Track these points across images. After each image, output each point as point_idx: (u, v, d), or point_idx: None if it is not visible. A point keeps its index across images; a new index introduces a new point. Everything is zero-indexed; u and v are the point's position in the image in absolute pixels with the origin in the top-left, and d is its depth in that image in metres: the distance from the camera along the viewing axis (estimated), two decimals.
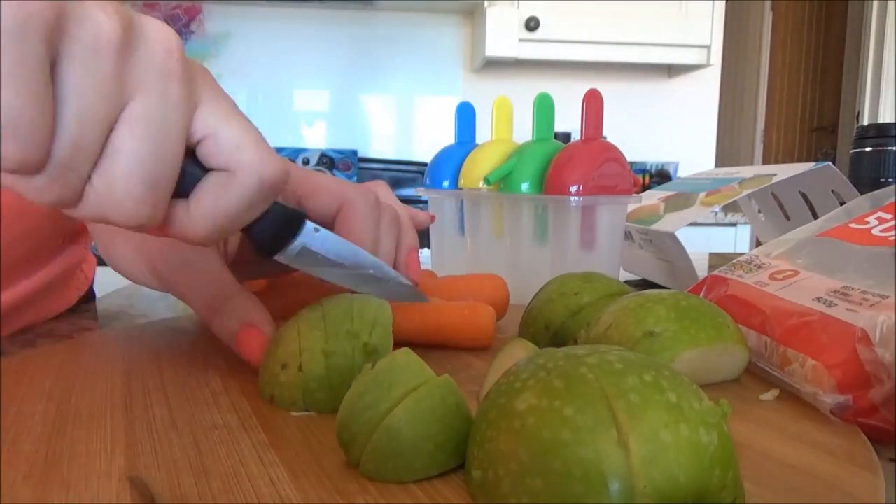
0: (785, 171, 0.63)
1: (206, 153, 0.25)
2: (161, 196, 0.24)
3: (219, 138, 0.25)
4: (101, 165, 0.23)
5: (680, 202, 0.65)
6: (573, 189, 0.49)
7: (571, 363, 0.20)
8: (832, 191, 0.63)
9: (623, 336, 0.31)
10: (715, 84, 2.46)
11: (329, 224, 0.35)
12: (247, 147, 0.25)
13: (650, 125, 2.43)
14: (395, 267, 0.36)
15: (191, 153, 0.25)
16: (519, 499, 0.18)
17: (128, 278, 0.38)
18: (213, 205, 0.25)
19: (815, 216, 0.64)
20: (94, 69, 0.21)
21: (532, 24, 2.01)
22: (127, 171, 0.23)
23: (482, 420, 0.21)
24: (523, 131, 0.54)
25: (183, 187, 0.25)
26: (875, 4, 2.71)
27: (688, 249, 0.59)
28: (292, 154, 2.18)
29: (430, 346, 0.39)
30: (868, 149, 0.70)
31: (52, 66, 0.21)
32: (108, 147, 0.23)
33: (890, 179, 0.68)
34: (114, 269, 0.38)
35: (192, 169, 0.25)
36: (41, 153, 0.21)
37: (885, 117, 2.67)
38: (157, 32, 0.23)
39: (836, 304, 0.30)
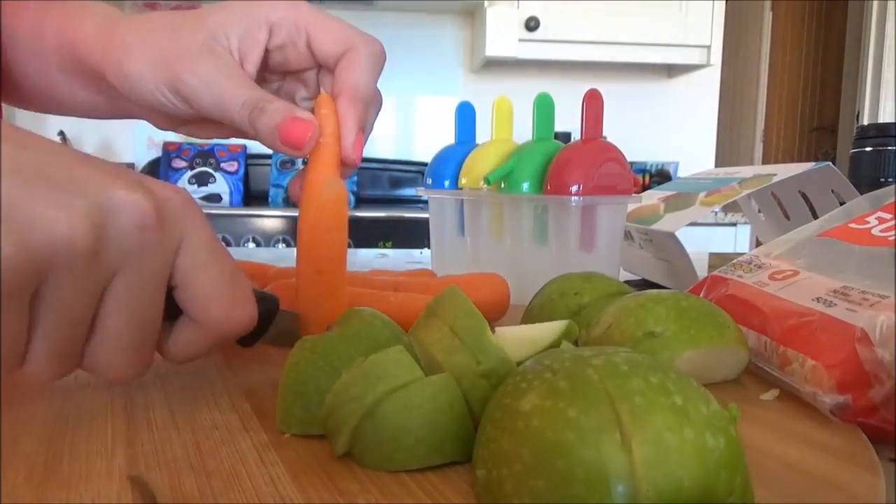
0: (785, 171, 0.63)
1: (179, 299, 0.26)
2: (146, 353, 0.26)
3: (188, 290, 0.26)
4: (90, 344, 0.24)
5: (680, 202, 0.65)
6: (573, 189, 0.49)
7: (577, 364, 0.20)
8: (832, 191, 0.63)
9: (624, 336, 0.31)
10: (715, 84, 2.46)
11: (332, 66, 0.36)
12: (211, 304, 0.26)
13: (650, 125, 2.43)
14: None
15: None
16: (521, 499, 0.18)
17: (140, 99, 0.35)
18: (183, 349, 0.27)
19: (815, 216, 0.64)
20: (67, 282, 0.22)
21: (532, 24, 2.01)
22: (113, 347, 0.24)
23: (487, 420, 0.21)
24: (523, 131, 0.54)
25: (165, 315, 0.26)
26: (875, 4, 2.71)
27: (688, 249, 0.59)
28: None
29: None
30: (868, 149, 0.70)
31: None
32: (95, 326, 0.24)
33: (890, 179, 0.68)
34: (125, 90, 0.35)
35: (172, 303, 0.26)
36: (21, 361, 0.23)
37: (885, 117, 2.67)
38: (127, 209, 0.23)
39: (835, 304, 0.30)
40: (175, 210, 0.25)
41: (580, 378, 0.19)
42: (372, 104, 0.37)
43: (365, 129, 0.37)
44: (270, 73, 0.38)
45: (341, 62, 0.35)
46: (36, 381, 0.24)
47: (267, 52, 0.36)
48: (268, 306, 0.31)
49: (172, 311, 0.26)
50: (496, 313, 0.45)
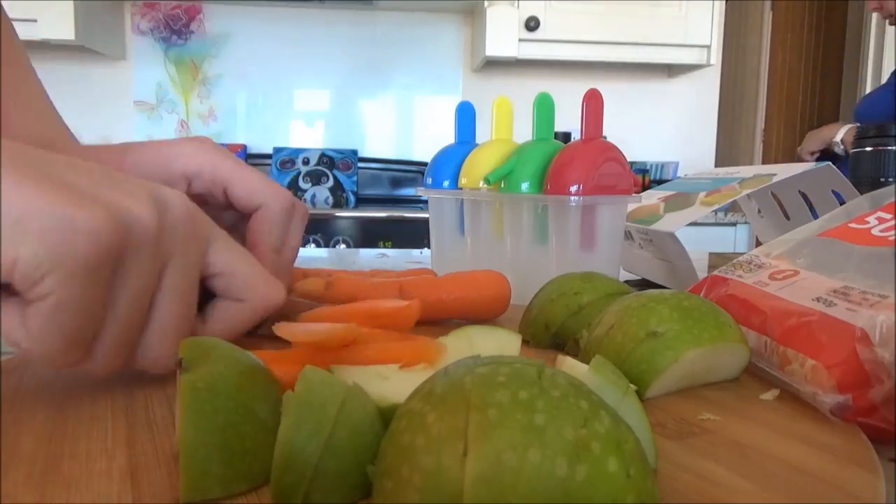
0: (785, 171, 0.63)
1: (221, 287, 0.31)
2: (185, 337, 0.28)
3: (234, 276, 0.31)
4: (145, 334, 0.27)
5: (680, 202, 0.65)
6: (573, 189, 0.49)
7: (464, 371, 0.19)
8: (832, 191, 0.63)
9: (626, 336, 0.31)
10: (715, 84, 2.46)
11: (248, 214, 0.39)
12: (258, 283, 0.32)
13: (650, 125, 2.43)
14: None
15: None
16: (377, 497, 0.18)
17: None
18: (228, 327, 0.32)
19: (815, 216, 0.64)
20: (140, 263, 0.25)
21: (532, 24, 2.01)
22: (165, 333, 0.27)
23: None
24: (523, 131, 0.54)
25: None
26: None
27: (688, 249, 0.59)
28: (292, 154, 2.18)
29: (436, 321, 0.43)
30: (868, 149, 0.70)
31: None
32: (149, 316, 0.27)
33: (890, 179, 0.68)
34: None
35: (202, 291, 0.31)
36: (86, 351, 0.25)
37: None
38: (175, 202, 0.27)
39: (835, 304, 0.30)
40: (200, 213, 0.29)
41: (455, 384, 0.18)
42: (287, 248, 0.40)
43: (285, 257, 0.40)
44: None
45: (254, 217, 0.38)
46: (92, 374, 0.27)
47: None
48: None
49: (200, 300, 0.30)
50: (498, 309, 0.45)
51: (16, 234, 0.21)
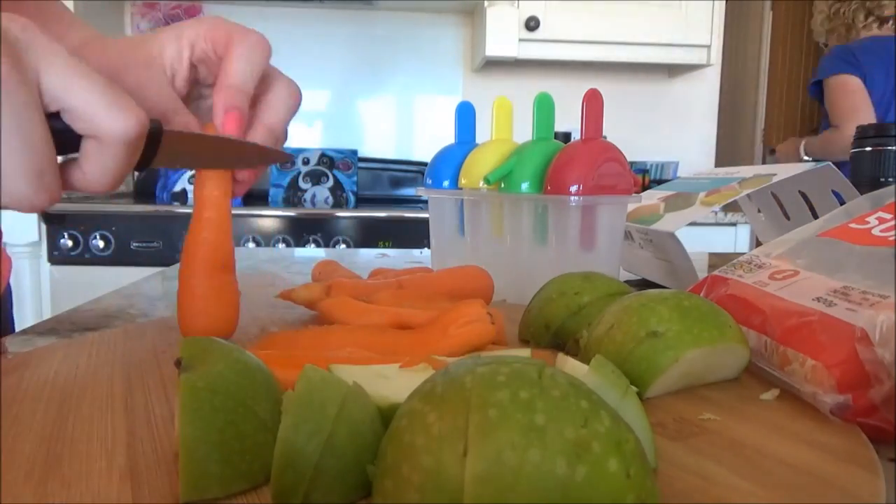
0: (785, 171, 0.63)
1: (69, 121, 0.27)
2: (51, 177, 0.26)
3: (70, 111, 0.27)
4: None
5: (680, 202, 0.65)
6: (573, 189, 0.49)
7: (464, 371, 0.19)
8: (832, 191, 0.63)
9: (626, 336, 0.31)
10: (715, 84, 2.46)
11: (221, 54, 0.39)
12: (97, 108, 0.27)
13: (650, 125, 2.43)
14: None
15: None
16: (377, 497, 0.18)
17: None
18: (99, 170, 0.28)
19: (815, 216, 0.64)
20: None
21: (532, 24, 2.01)
22: (13, 174, 0.25)
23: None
24: (523, 131, 0.54)
25: (67, 144, 0.27)
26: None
27: (688, 249, 0.59)
28: (292, 154, 2.18)
29: None
30: (868, 149, 0.70)
31: None
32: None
33: (890, 179, 0.68)
34: None
35: (63, 127, 0.27)
36: None
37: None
38: None
39: (835, 304, 0.30)
40: (16, 38, 0.25)
41: (456, 384, 0.18)
42: (273, 90, 0.41)
43: (243, 109, 0.38)
44: (201, 86, 0.41)
45: (223, 58, 0.38)
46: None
47: (194, 66, 0.39)
48: (151, 125, 0.31)
49: (67, 142, 0.27)
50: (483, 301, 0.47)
51: None
